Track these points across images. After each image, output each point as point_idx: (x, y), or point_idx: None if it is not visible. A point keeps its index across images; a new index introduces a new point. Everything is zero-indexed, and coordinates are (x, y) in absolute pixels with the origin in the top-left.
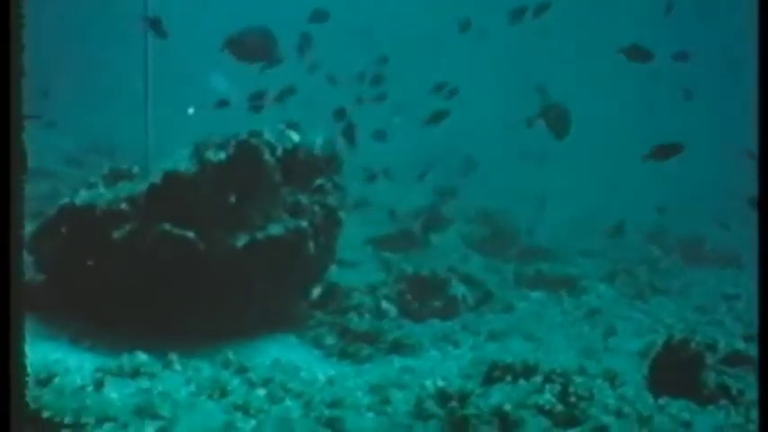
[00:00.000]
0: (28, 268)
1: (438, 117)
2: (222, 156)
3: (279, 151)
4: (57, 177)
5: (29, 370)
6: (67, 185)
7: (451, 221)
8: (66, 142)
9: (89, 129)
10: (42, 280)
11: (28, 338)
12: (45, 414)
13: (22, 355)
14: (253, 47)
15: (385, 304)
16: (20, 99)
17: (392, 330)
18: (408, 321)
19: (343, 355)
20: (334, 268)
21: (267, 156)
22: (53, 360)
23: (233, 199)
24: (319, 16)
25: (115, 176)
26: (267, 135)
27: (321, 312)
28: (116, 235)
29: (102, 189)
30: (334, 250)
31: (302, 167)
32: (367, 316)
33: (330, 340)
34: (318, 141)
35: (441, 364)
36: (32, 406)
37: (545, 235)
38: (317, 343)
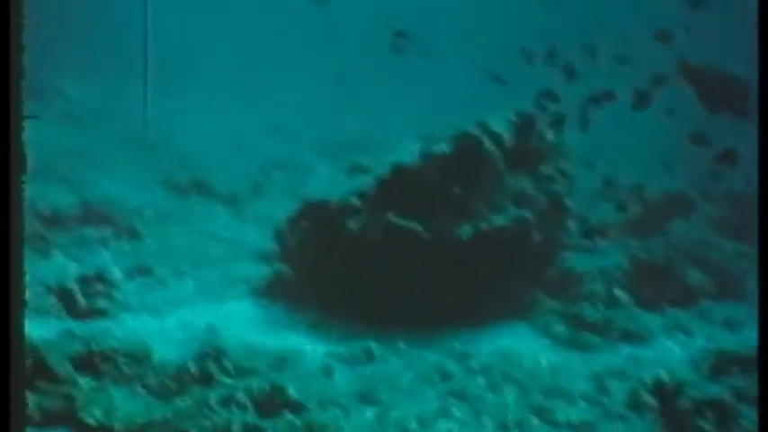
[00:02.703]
0: (276, 259)
1: None
2: (445, 147)
3: (505, 140)
4: None
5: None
6: None
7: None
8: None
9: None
10: (287, 270)
11: (271, 324)
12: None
13: (22, 355)
14: None
15: (618, 291)
16: (20, 99)
17: (623, 318)
18: (641, 310)
19: (570, 343)
20: (567, 255)
21: (489, 146)
22: (291, 345)
23: (457, 189)
24: None
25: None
26: (494, 124)
27: (552, 300)
28: (349, 227)
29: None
30: (563, 237)
31: (529, 155)
32: (599, 304)
33: (559, 328)
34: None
35: (669, 354)
36: (268, 388)
37: None
38: (546, 331)
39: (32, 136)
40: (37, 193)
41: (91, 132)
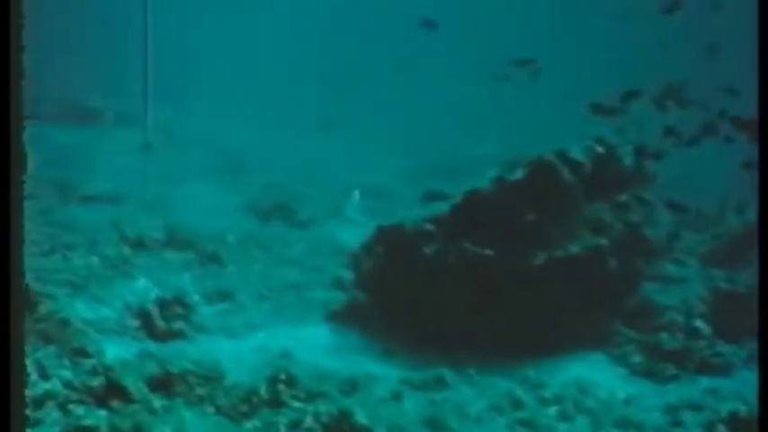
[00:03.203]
0: (351, 284)
1: None
2: (519, 174)
3: (584, 167)
4: None
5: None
6: None
7: None
8: None
9: None
10: (361, 296)
11: (345, 350)
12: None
13: (22, 354)
14: None
15: (699, 323)
16: (20, 99)
17: (703, 350)
18: (722, 341)
19: (648, 374)
20: (647, 284)
21: (566, 174)
22: (362, 371)
23: (531, 217)
24: None
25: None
26: (573, 151)
27: (631, 330)
28: (424, 253)
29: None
30: (643, 267)
31: (607, 182)
32: (679, 334)
33: (637, 358)
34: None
35: (748, 386)
36: (336, 412)
37: None
38: (623, 361)
39: (123, 162)
40: (124, 217)
41: (178, 159)
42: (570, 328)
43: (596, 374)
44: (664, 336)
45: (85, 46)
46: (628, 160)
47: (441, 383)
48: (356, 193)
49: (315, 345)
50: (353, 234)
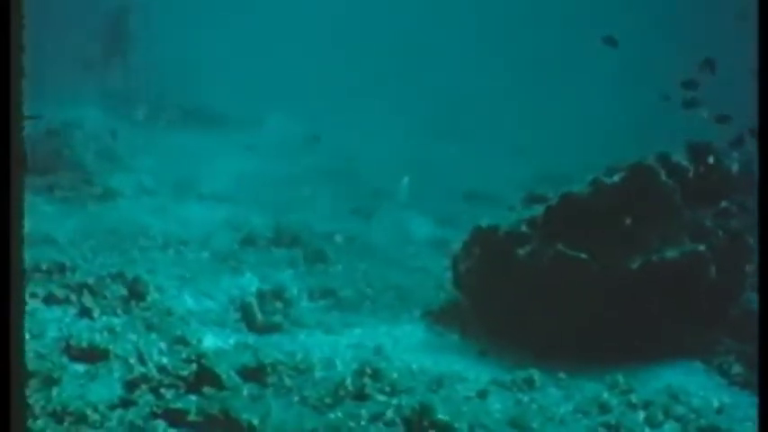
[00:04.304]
0: (451, 285)
1: None
2: (616, 178)
3: (687, 171)
4: None
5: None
6: None
7: None
8: None
9: None
10: (461, 297)
11: (439, 349)
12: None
13: (22, 354)
14: None
15: None
16: (20, 99)
17: None
18: None
19: (746, 384)
20: (751, 294)
21: (664, 177)
22: (453, 370)
23: (628, 221)
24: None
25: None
26: (676, 155)
27: (733, 340)
28: (519, 255)
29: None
30: (745, 276)
31: (712, 187)
32: None
33: (737, 369)
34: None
35: None
36: (418, 407)
37: None
38: (723, 371)
39: (240, 166)
40: (233, 214)
41: (292, 161)
42: (667, 335)
43: (691, 383)
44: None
45: None
46: (733, 165)
47: (529, 385)
48: (405, 180)
49: (410, 343)
50: (456, 236)
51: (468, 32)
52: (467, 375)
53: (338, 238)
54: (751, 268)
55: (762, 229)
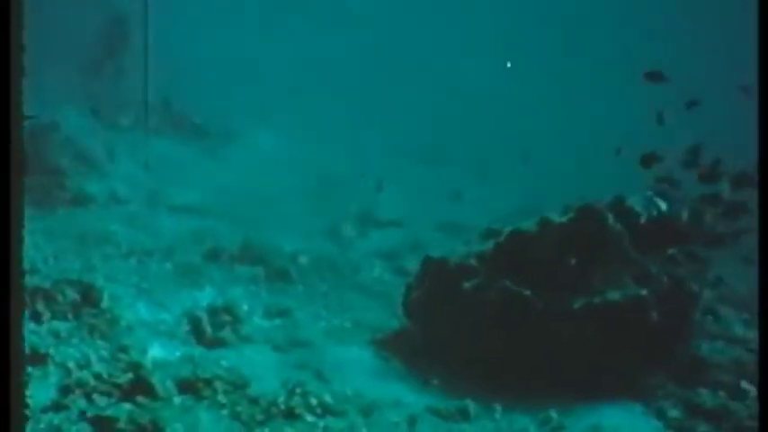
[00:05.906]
0: (402, 313)
1: None
2: (564, 219)
3: (639, 216)
4: None
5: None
6: None
7: None
8: None
9: None
10: (408, 325)
11: (383, 375)
12: None
13: (22, 354)
14: None
15: (745, 384)
16: (20, 99)
17: (743, 411)
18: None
19: (682, 429)
20: (697, 341)
21: (611, 221)
22: (390, 395)
23: (573, 261)
24: None
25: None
26: (632, 200)
27: (674, 384)
28: (465, 288)
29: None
30: (689, 323)
31: (659, 235)
32: (721, 393)
33: (675, 413)
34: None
35: None
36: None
37: None
38: (660, 414)
39: (215, 179)
40: (202, 227)
41: (267, 179)
42: (607, 375)
43: (625, 424)
44: (705, 393)
45: None
46: (683, 213)
47: (463, 415)
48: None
49: (354, 367)
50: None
51: (451, 52)
52: (404, 402)
53: (302, 259)
54: (698, 316)
55: (762, 229)
